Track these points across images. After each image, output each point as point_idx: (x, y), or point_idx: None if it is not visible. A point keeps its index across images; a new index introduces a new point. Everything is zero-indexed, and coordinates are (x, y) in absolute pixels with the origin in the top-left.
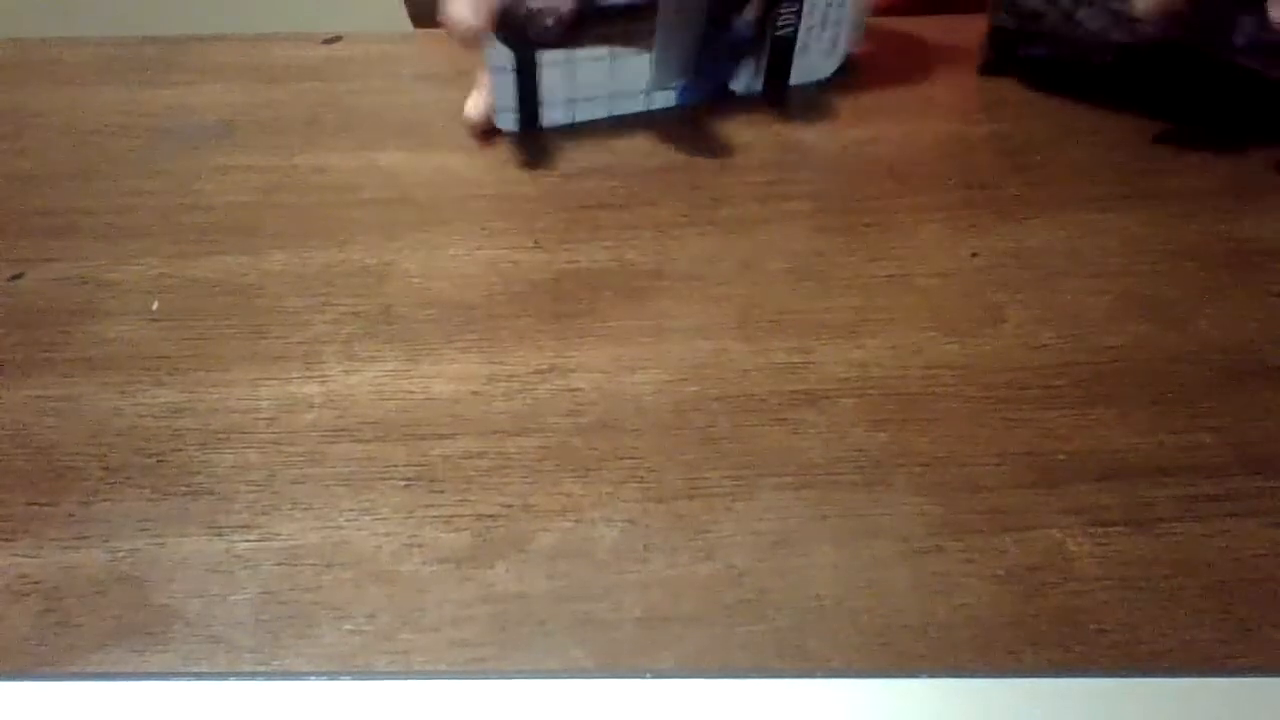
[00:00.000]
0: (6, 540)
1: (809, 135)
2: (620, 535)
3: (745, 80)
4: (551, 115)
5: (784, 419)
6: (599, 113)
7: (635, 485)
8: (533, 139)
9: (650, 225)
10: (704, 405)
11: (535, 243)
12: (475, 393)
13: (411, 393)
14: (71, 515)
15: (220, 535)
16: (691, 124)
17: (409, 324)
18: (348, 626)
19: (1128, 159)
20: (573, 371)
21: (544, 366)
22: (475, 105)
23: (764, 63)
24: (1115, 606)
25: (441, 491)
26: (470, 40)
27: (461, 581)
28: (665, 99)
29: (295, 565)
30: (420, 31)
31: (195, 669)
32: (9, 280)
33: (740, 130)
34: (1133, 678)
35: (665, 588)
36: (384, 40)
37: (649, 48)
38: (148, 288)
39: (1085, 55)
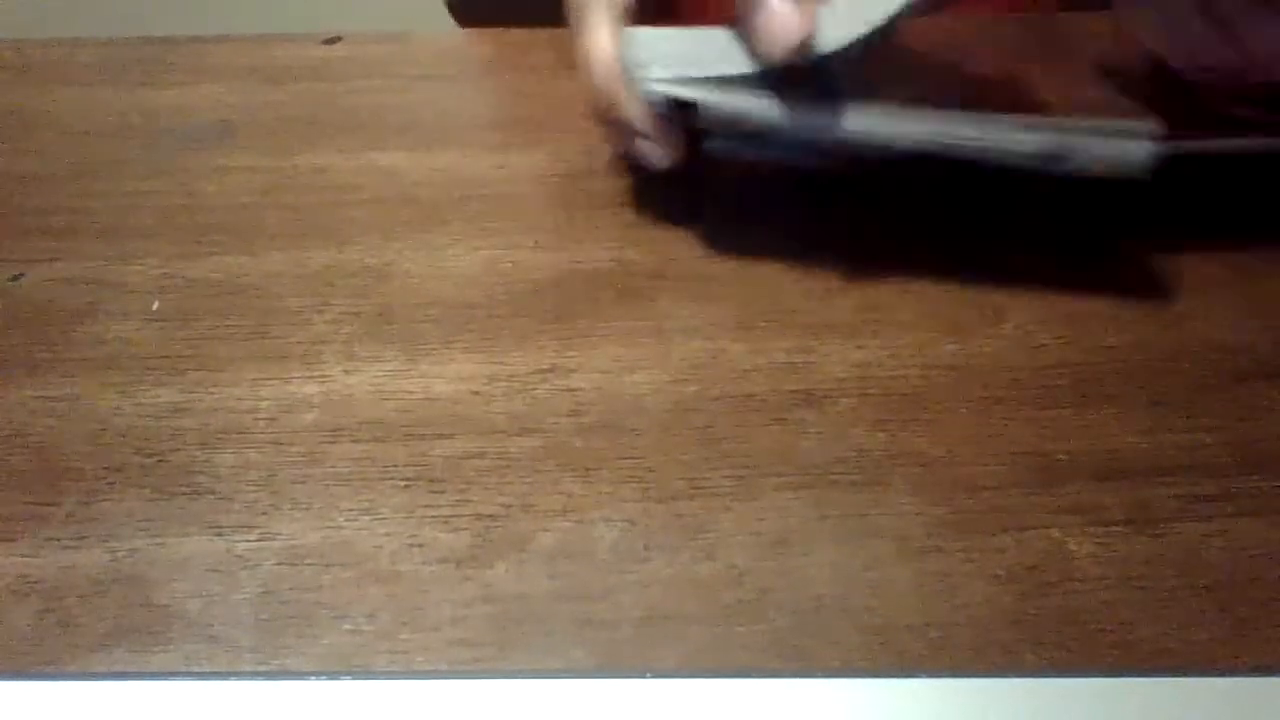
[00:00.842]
0: (6, 540)
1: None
2: (620, 535)
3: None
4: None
5: (784, 419)
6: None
7: (635, 485)
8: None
9: (650, 225)
10: (704, 405)
11: (535, 243)
12: (475, 393)
13: (411, 393)
14: (71, 515)
15: (220, 535)
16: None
17: (409, 324)
18: (348, 626)
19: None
20: (573, 371)
21: (544, 366)
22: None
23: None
24: (1115, 606)
25: (441, 491)
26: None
27: (461, 581)
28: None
29: (295, 565)
30: (420, 32)
31: (195, 669)
32: (9, 280)
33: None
34: (1133, 678)
35: (665, 588)
36: (384, 40)
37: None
38: (148, 288)
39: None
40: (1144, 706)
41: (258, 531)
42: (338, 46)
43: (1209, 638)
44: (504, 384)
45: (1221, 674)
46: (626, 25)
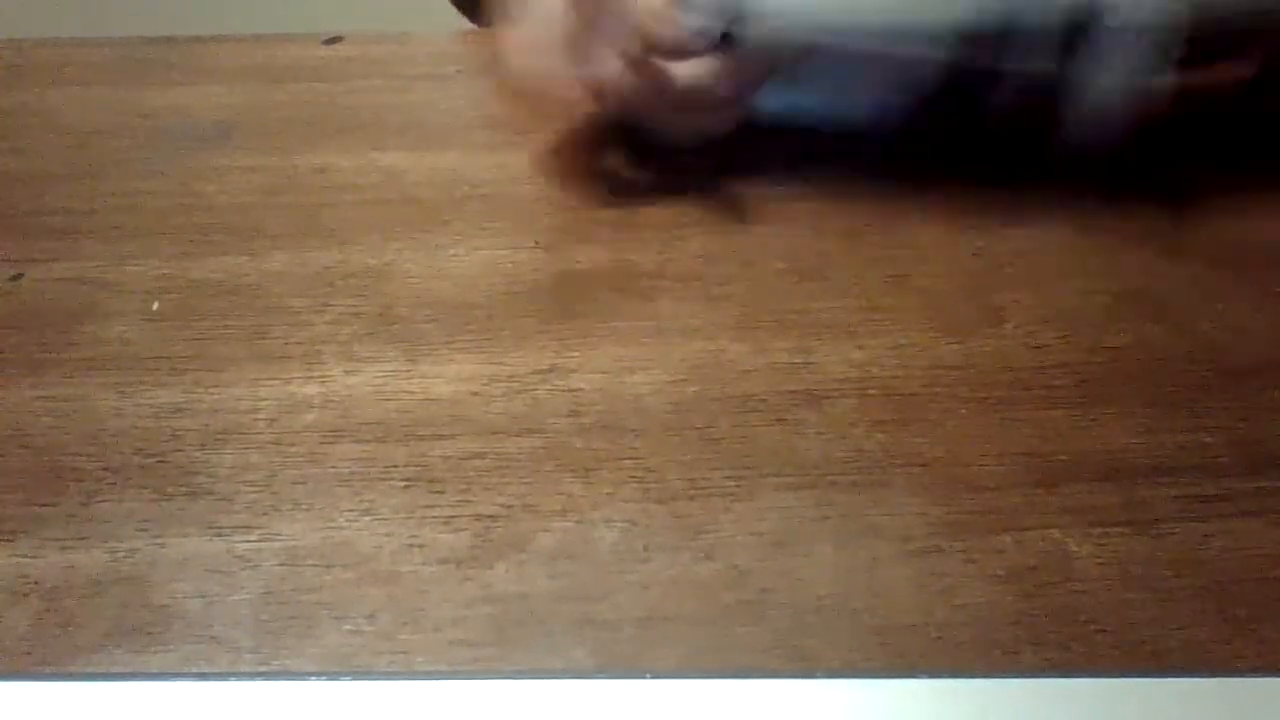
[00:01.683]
0: (6, 540)
1: (808, 135)
2: (620, 535)
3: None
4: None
5: (784, 419)
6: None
7: (635, 485)
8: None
9: (650, 225)
10: (704, 405)
11: (535, 243)
12: (475, 393)
13: (411, 393)
14: (71, 515)
15: (220, 535)
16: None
17: (409, 324)
18: (348, 627)
19: (1128, 159)
20: (573, 372)
21: (544, 367)
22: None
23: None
24: (1115, 606)
25: (441, 492)
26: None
27: (461, 581)
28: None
29: (295, 565)
30: (420, 32)
31: (195, 669)
32: (9, 280)
33: (740, 130)
34: (1133, 678)
35: (665, 588)
36: (384, 40)
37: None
38: (148, 288)
39: None
40: (1144, 706)
41: (258, 532)
42: (338, 46)
43: (1209, 638)
44: (504, 384)
45: (1221, 674)
46: None
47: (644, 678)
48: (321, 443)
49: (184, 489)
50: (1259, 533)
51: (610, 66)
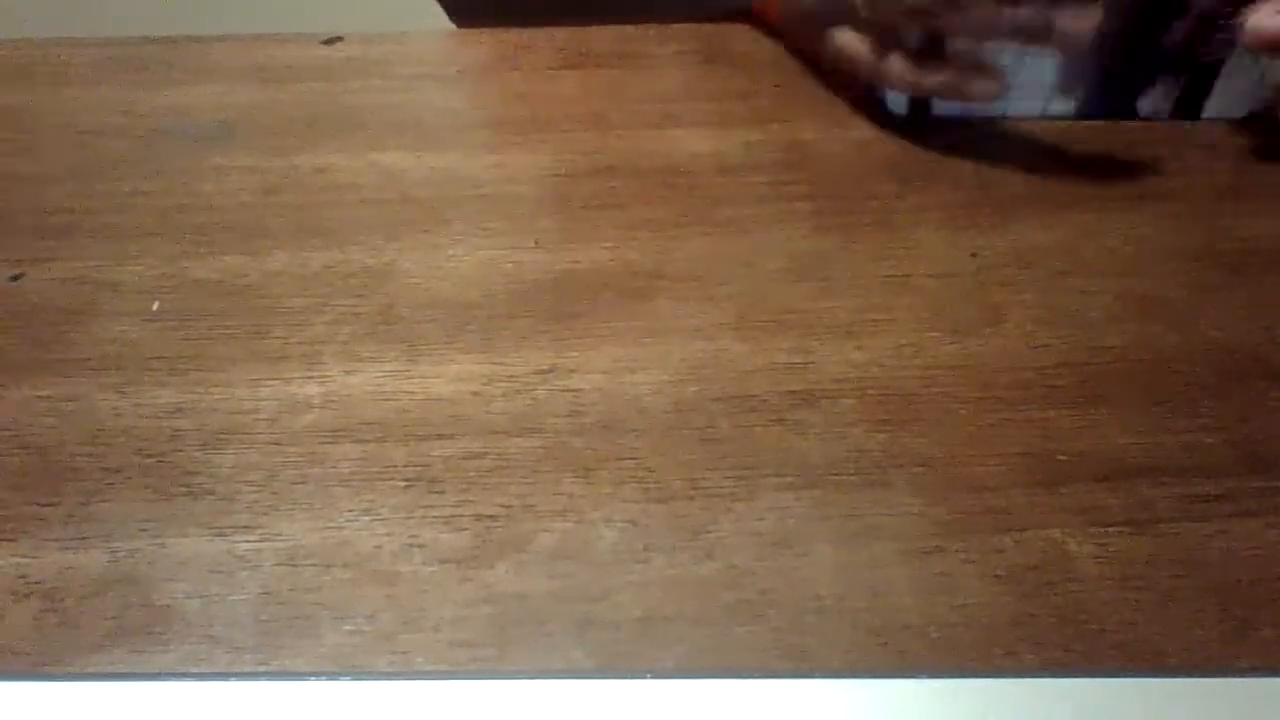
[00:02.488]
0: (6, 540)
1: (809, 135)
2: (620, 536)
3: (1154, 102)
4: (944, 106)
5: (784, 419)
6: (994, 111)
7: (635, 486)
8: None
9: (650, 225)
10: (704, 405)
11: (535, 243)
12: (475, 393)
13: (411, 393)
14: (71, 515)
15: (220, 535)
16: (691, 125)
17: (409, 324)
18: (348, 627)
19: (1128, 159)
20: (573, 372)
21: (544, 367)
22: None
23: (1179, 87)
24: (1115, 606)
25: (441, 492)
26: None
27: (461, 582)
28: (1063, 108)
29: (295, 565)
30: (420, 32)
31: (195, 669)
32: (9, 280)
33: (740, 130)
34: (1133, 678)
35: (665, 588)
36: (384, 40)
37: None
38: (148, 288)
39: None
40: (1144, 706)
41: (258, 532)
42: (338, 46)
43: (1209, 638)
44: (504, 384)
45: (1221, 674)
46: None
47: (644, 678)
48: (321, 443)
49: (184, 489)
50: (1259, 533)
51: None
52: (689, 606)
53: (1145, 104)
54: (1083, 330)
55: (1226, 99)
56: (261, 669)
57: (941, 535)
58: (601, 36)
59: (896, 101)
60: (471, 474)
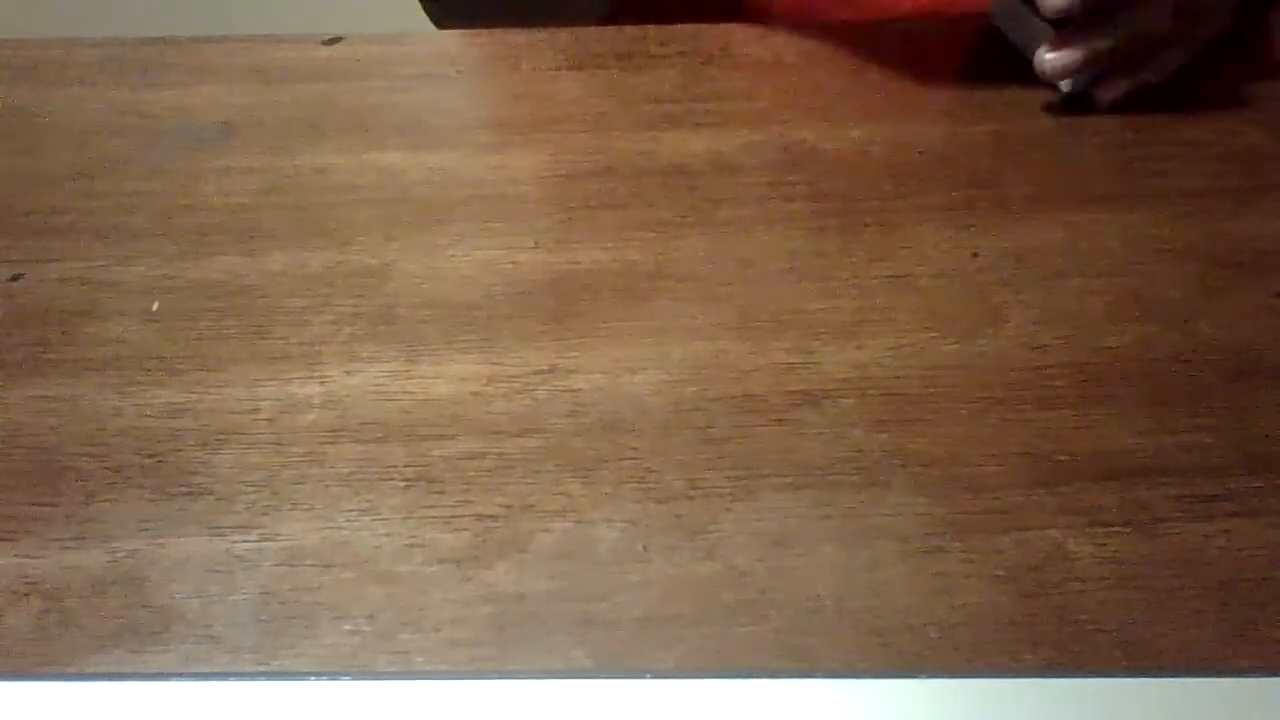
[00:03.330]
0: (6, 540)
1: (809, 135)
2: (620, 535)
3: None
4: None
5: (784, 419)
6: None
7: (635, 485)
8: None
9: (650, 225)
10: (704, 405)
11: (535, 243)
12: (475, 393)
13: (411, 393)
14: (71, 515)
15: (220, 535)
16: (691, 125)
17: (409, 324)
18: (348, 626)
19: (1128, 159)
20: (573, 372)
21: (544, 367)
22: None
23: None
24: (1115, 606)
25: (441, 492)
26: None
27: (461, 581)
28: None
29: (295, 565)
30: (421, 32)
31: (195, 669)
32: (9, 280)
33: (740, 130)
34: (1133, 678)
35: (665, 588)
36: (384, 40)
37: None
38: (148, 288)
39: None
40: (1144, 706)
41: (258, 532)
42: (338, 46)
43: (1209, 638)
44: (504, 384)
45: (1221, 674)
46: None
47: (644, 678)
48: (321, 443)
49: (184, 489)
50: (1259, 533)
51: None
52: (689, 606)
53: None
54: (1083, 330)
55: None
56: (261, 669)
57: (941, 535)
58: (602, 37)
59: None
60: (471, 474)
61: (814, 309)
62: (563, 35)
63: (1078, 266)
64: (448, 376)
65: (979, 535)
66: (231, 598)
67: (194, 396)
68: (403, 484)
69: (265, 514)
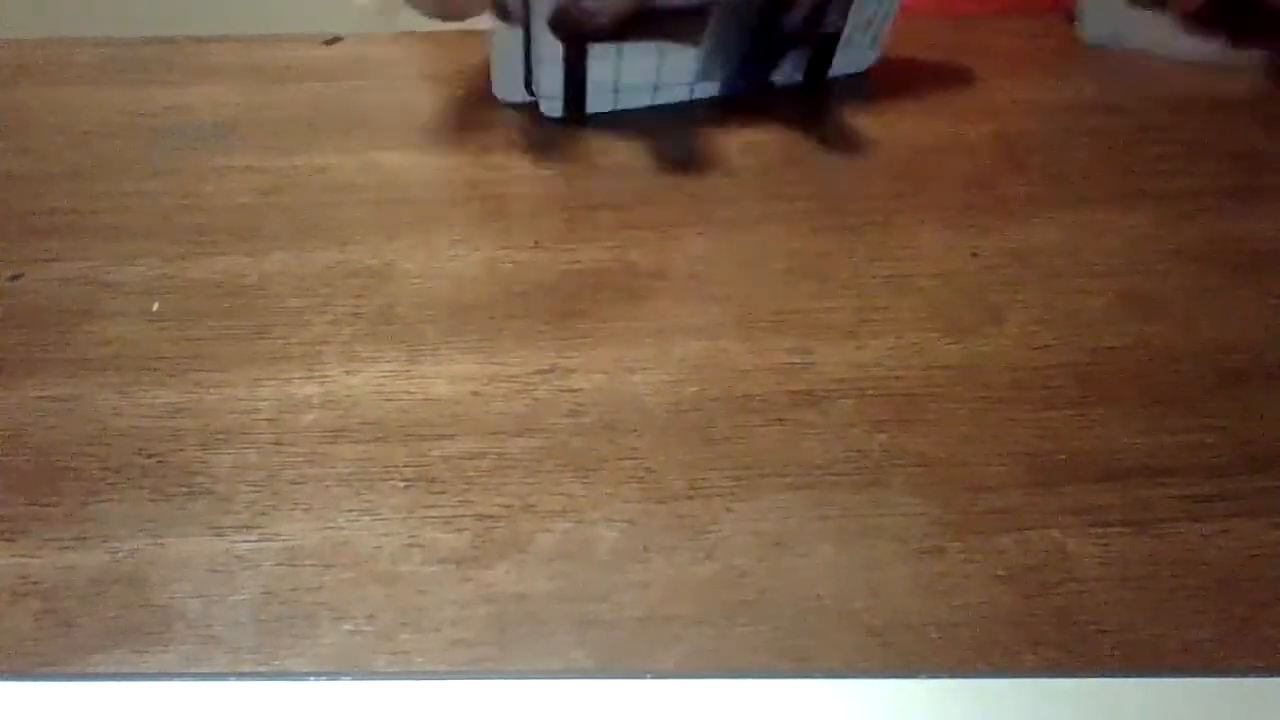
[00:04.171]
0: (6, 540)
1: (809, 135)
2: (620, 536)
3: (787, 72)
4: (596, 103)
5: (784, 419)
6: (643, 101)
7: (635, 486)
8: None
9: (650, 225)
10: (704, 405)
11: (535, 243)
12: (475, 393)
13: (411, 393)
14: (71, 515)
15: (220, 535)
16: (691, 125)
17: (409, 324)
18: (348, 627)
19: (1128, 159)
20: (573, 372)
21: (544, 367)
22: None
23: (807, 56)
24: (1115, 606)
25: (442, 492)
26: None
27: (461, 582)
28: (708, 89)
29: (295, 565)
30: (421, 32)
31: (195, 669)
32: (9, 280)
33: (740, 130)
34: (1133, 678)
35: (665, 588)
36: (384, 40)
37: (698, 43)
38: (148, 288)
39: None
40: (1144, 706)
41: (258, 532)
42: (338, 46)
43: (1209, 638)
44: (504, 384)
45: (1221, 674)
46: None
47: (644, 678)
48: (321, 443)
49: (184, 489)
50: (1259, 533)
51: None
52: (689, 606)
53: (779, 76)
54: (1083, 330)
55: (846, 60)
56: (261, 669)
57: (941, 535)
58: None
59: (552, 106)
60: (471, 474)
61: (814, 309)
62: None
63: (1078, 266)
64: (448, 376)
65: (979, 535)
66: (232, 598)
67: (194, 396)
68: (403, 484)
69: (265, 514)
